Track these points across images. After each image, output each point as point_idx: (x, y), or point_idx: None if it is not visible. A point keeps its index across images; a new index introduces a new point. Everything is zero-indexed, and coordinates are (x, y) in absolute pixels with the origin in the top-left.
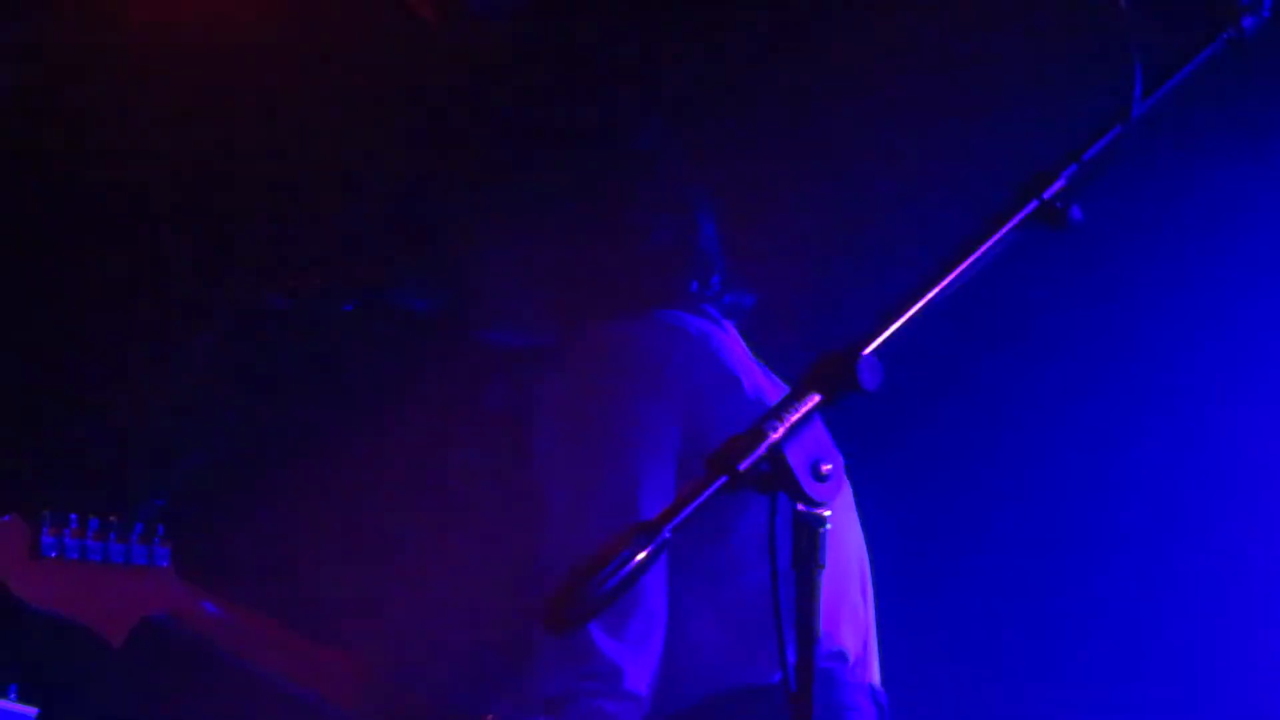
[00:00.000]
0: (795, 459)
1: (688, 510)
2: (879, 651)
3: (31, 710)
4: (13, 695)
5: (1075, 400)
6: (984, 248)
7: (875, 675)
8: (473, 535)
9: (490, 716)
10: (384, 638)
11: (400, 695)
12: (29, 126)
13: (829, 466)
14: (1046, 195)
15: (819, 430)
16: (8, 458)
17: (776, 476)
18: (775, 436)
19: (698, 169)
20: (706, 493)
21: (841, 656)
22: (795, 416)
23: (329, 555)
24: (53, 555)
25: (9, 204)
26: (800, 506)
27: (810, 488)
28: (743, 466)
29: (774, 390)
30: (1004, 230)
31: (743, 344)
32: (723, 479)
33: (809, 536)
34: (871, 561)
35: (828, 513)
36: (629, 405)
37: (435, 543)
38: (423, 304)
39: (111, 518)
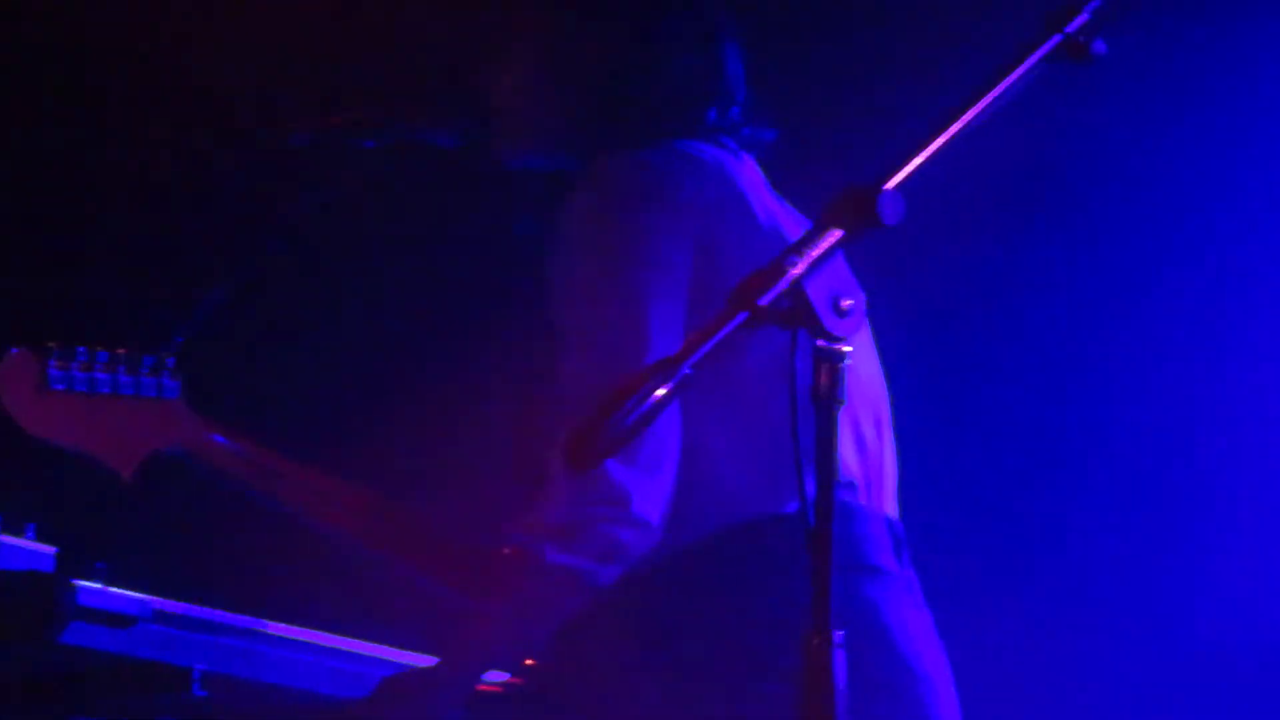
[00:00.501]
0: (816, 294)
1: (708, 346)
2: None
3: (50, 549)
4: (30, 535)
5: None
6: (1007, 81)
7: (892, 506)
8: (500, 366)
9: (509, 549)
10: (403, 475)
11: (417, 527)
12: None
13: (850, 302)
14: (1070, 29)
15: (840, 266)
16: (27, 297)
17: (797, 312)
18: (796, 272)
19: (729, 15)
20: (727, 328)
21: (851, 486)
22: (816, 252)
23: (346, 395)
24: (60, 388)
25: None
26: (820, 342)
27: (831, 323)
28: (763, 302)
29: (791, 223)
30: (1028, 64)
31: (760, 175)
32: (743, 314)
33: (829, 371)
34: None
35: (848, 348)
36: (639, 232)
37: (457, 377)
38: (447, 139)
39: (120, 351)
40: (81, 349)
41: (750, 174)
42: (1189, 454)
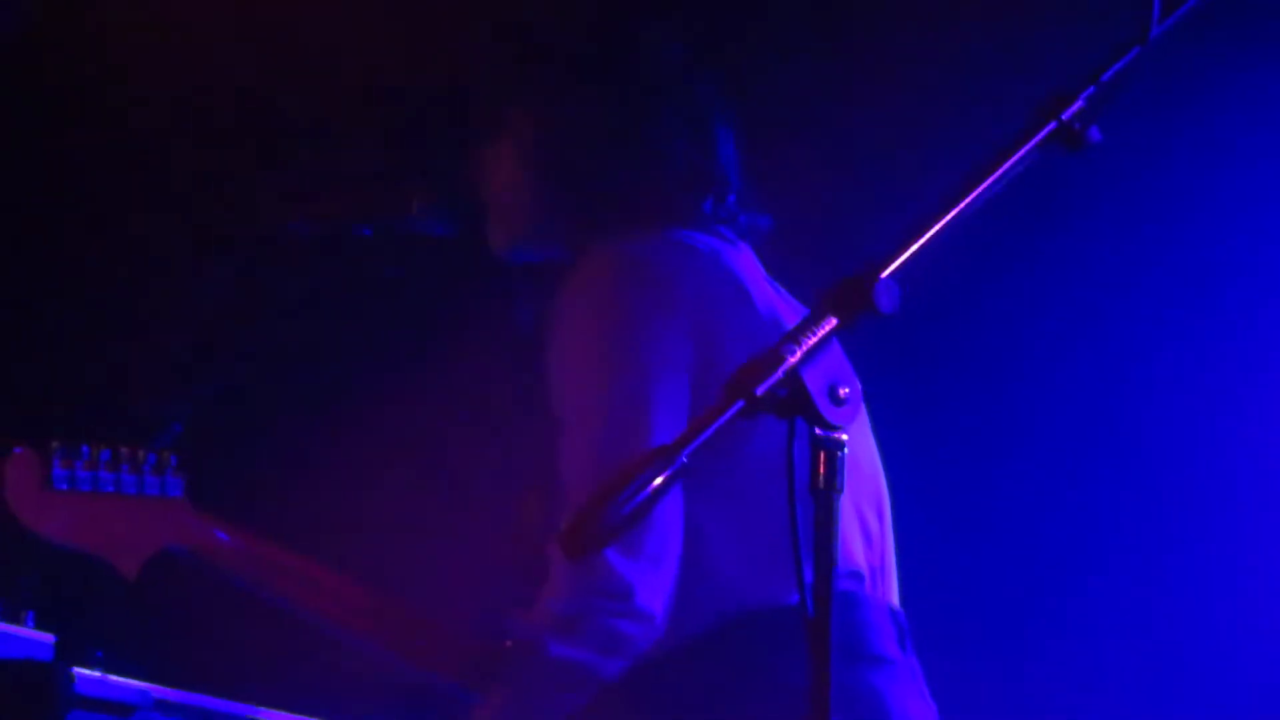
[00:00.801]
0: (813, 383)
1: (705, 435)
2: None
3: (48, 637)
4: (29, 622)
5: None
6: (1002, 169)
7: (894, 596)
8: (498, 456)
9: (511, 641)
10: (400, 563)
11: (416, 622)
12: (48, 47)
13: (846, 390)
14: (1065, 116)
15: (836, 354)
16: (23, 389)
17: (794, 401)
18: (793, 360)
19: (718, 89)
20: (724, 417)
21: (857, 576)
22: (813, 340)
23: (345, 483)
24: (64, 488)
25: (25, 126)
26: (818, 431)
27: (828, 412)
28: (760, 391)
29: (789, 311)
30: (1022, 152)
31: (757, 263)
32: (740, 403)
33: (827, 461)
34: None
35: (845, 437)
36: (640, 322)
37: (455, 468)
38: (442, 228)
39: (123, 449)
40: (85, 447)
41: (747, 263)
42: (1204, 535)
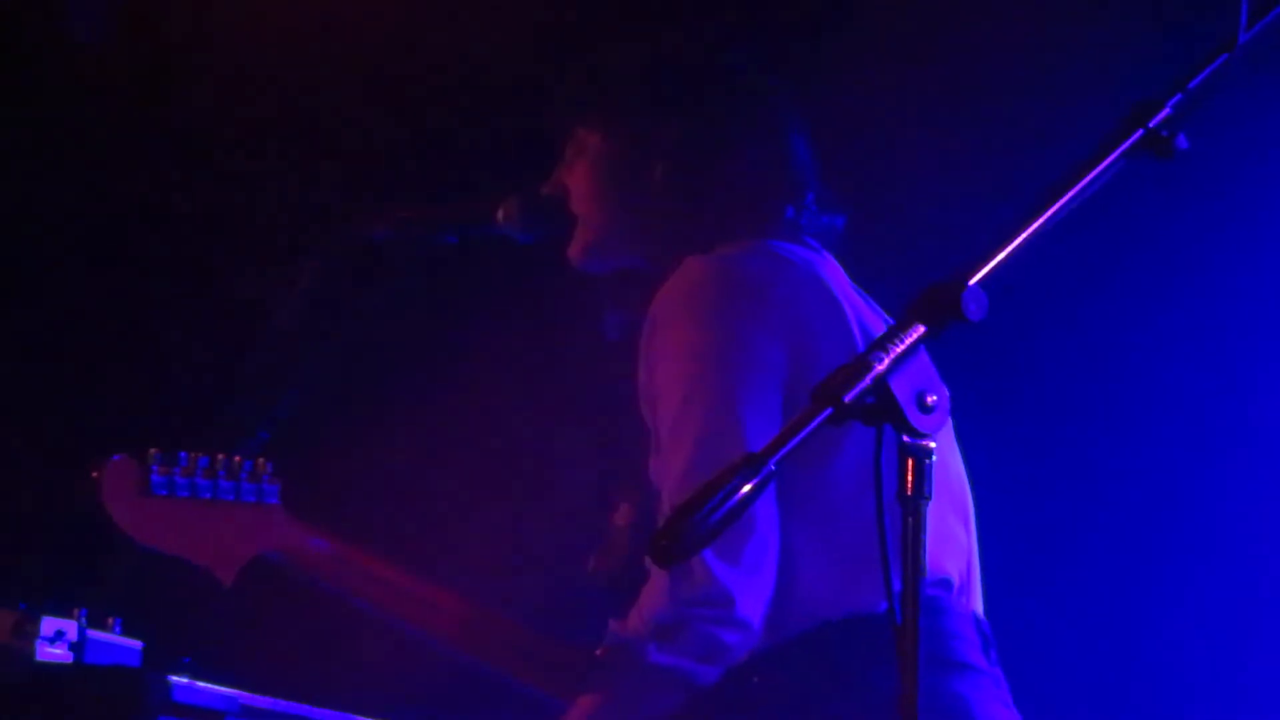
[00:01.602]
0: (900, 390)
1: (793, 443)
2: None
3: (136, 643)
4: (117, 629)
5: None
6: (1089, 177)
7: (979, 604)
8: (585, 465)
9: (609, 646)
10: (489, 572)
11: (506, 630)
12: (128, 56)
13: (934, 398)
14: (1152, 124)
15: (924, 361)
16: (110, 401)
17: (882, 408)
18: (880, 368)
19: (790, 94)
20: (812, 425)
21: (946, 584)
22: (900, 348)
23: (433, 489)
24: (163, 494)
25: (112, 133)
26: (906, 438)
27: (916, 419)
28: (848, 398)
29: (875, 319)
30: (1109, 159)
31: (842, 272)
32: (828, 411)
33: (915, 468)
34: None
35: (933, 444)
36: (735, 332)
37: (542, 474)
38: (526, 236)
39: (220, 456)
40: (183, 454)
41: (835, 272)
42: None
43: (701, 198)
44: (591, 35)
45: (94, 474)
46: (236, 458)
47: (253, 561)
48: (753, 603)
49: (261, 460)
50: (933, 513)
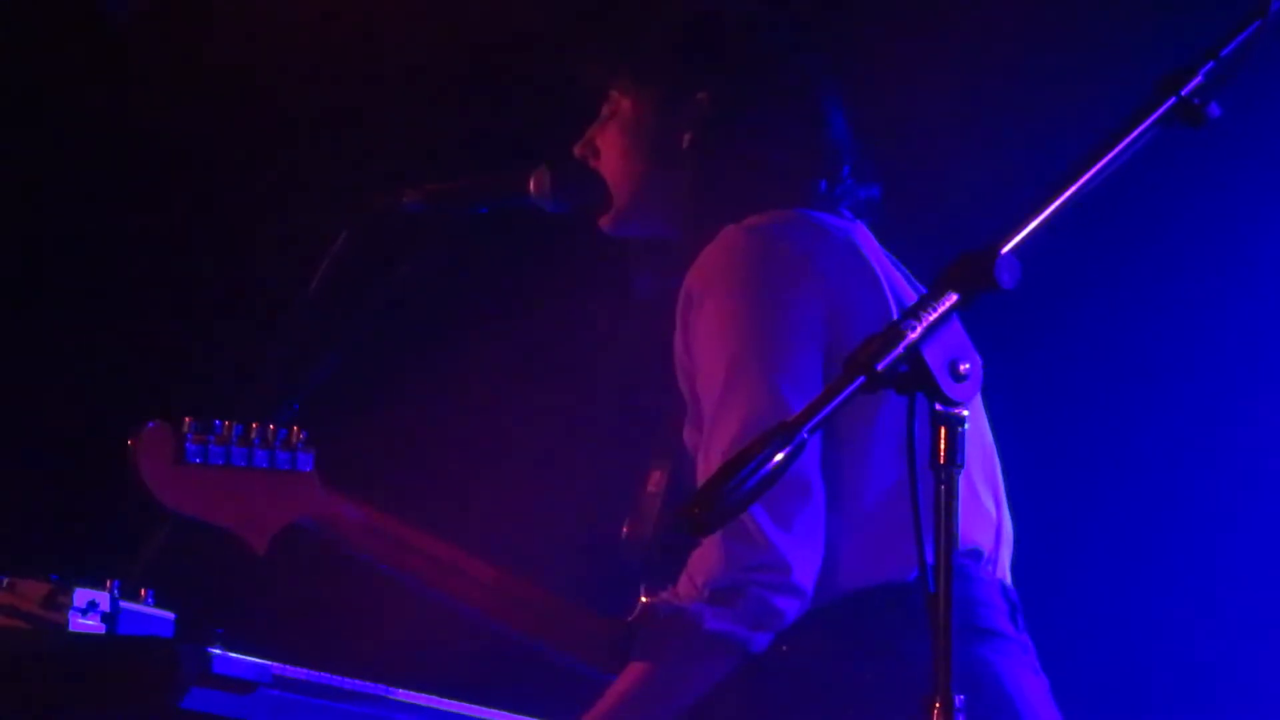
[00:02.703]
0: (933, 359)
1: (825, 411)
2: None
3: (169, 614)
4: (149, 600)
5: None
6: (1121, 144)
7: (1006, 574)
8: (623, 432)
9: (635, 617)
10: (523, 539)
11: (544, 601)
12: (164, 29)
13: (967, 366)
14: (1185, 92)
15: (957, 330)
16: (139, 373)
17: (915, 376)
18: (913, 336)
19: (824, 63)
20: (844, 393)
21: (975, 554)
22: (933, 316)
23: (461, 459)
24: (197, 461)
25: (141, 109)
26: (938, 406)
27: (949, 388)
28: (881, 366)
29: (909, 289)
30: (1142, 127)
31: (877, 243)
32: (860, 379)
33: (948, 436)
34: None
35: (966, 413)
36: (776, 301)
37: (578, 443)
38: (556, 207)
39: (255, 424)
40: (218, 422)
41: (869, 241)
42: None
43: (731, 168)
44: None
45: (129, 441)
46: (271, 425)
47: (286, 529)
48: (808, 569)
49: (296, 428)
50: (963, 482)
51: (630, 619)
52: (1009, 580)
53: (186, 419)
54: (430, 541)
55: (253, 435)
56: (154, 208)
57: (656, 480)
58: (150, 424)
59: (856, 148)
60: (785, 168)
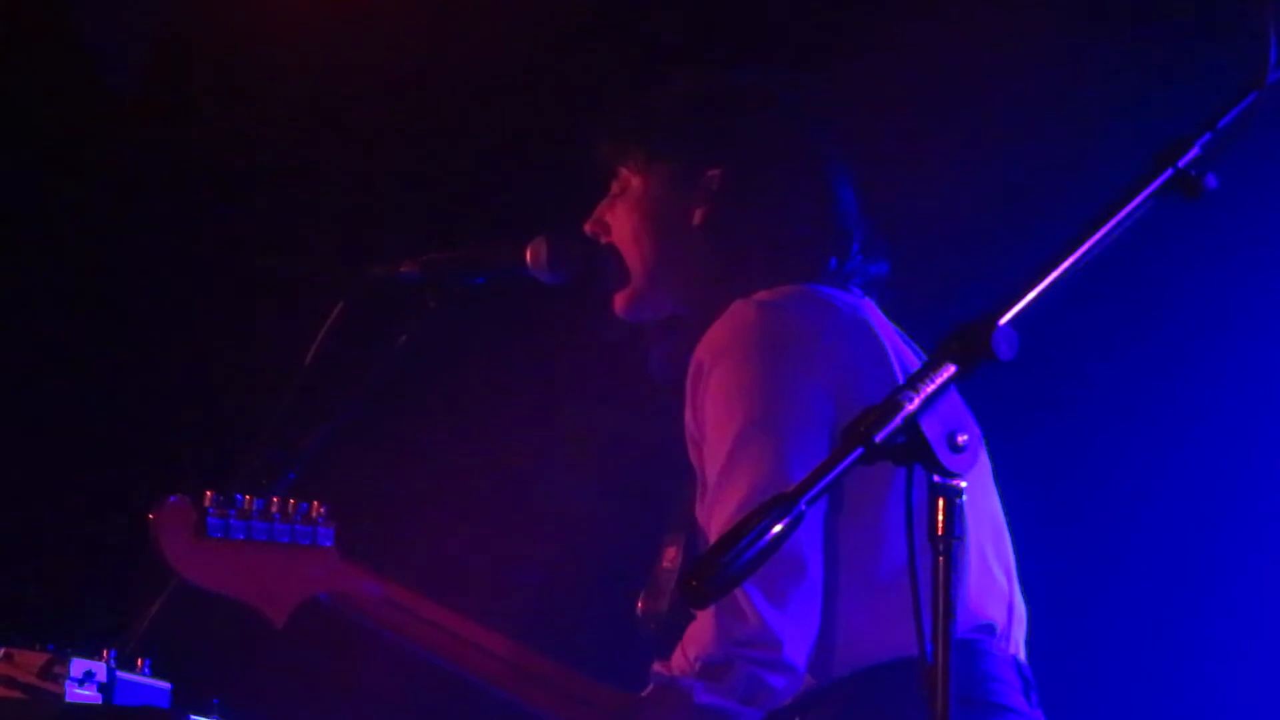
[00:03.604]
0: (931, 430)
1: (823, 482)
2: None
3: (165, 684)
4: (146, 670)
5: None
6: (1118, 216)
7: (1020, 649)
8: (628, 510)
9: (657, 684)
10: (533, 613)
11: (555, 675)
12: (164, 97)
13: (965, 437)
14: (1181, 164)
15: (955, 401)
16: (138, 439)
17: (912, 448)
18: (910, 408)
19: (833, 139)
20: (843, 465)
21: (989, 629)
22: (931, 387)
23: (459, 531)
24: (218, 536)
25: (136, 176)
26: (936, 478)
27: (946, 459)
28: (879, 438)
29: (915, 361)
30: (1139, 199)
31: (885, 319)
32: (859, 450)
33: (946, 508)
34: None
35: (964, 484)
36: (782, 379)
37: (587, 518)
38: (552, 278)
39: (275, 499)
40: (239, 496)
41: (876, 316)
42: None
43: (742, 243)
44: (625, 79)
45: (150, 515)
46: (292, 500)
47: (305, 604)
48: (799, 647)
49: (317, 503)
50: (974, 557)
51: (644, 694)
52: (1023, 656)
53: (208, 493)
54: (446, 615)
55: (274, 510)
56: (154, 281)
57: (671, 556)
58: (172, 498)
59: (866, 223)
60: (796, 243)
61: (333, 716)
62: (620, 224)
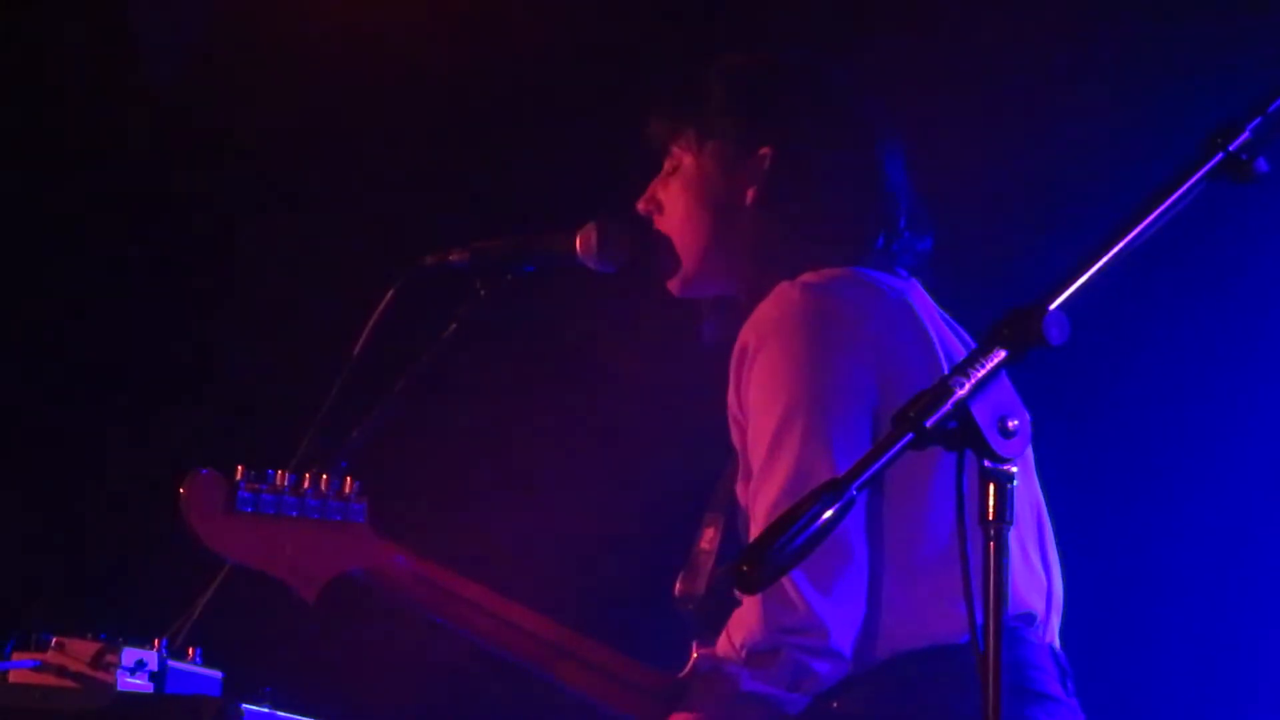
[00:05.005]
0: (981, 415)
1: (874, 468)
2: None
3: (216, 673)
4: (198, 659)
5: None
6: (1169, 201)
7: (1056, 638)
8: (673, 481)
9: (686, 674)
10: (575, 593)
11: (596, 655)
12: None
13: (1015, 422)
14: (1232, 147)
15: (1005, 386)
16: (187, 431)
17: (963, 433)
18: (961, 393)
19: (884, 118)
20: (893, 450)
21: (1029, 618)
22: (981, 373)
23: (509, 516)
24: (248, 510)
25: (185, 167)
26: (987, 463)
27: (997, 444)
28: (929, 423)
29: (963, 348)
30: (1189, 184)
31: (930, 300)
32: (909, 436)
33: (996, 492)
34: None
35: (1015, 469)
36: (828, 362)
37: (632, 498)
38: (603, 266)
39: (308, 474)
40: (270, 471)
41: (923, 300)
42: None
43: (793, 224)
44: (672, 65)
45: (180, 489)
46: (324, 476)
47: (337, 579)
48: (845, 633)
49: (350, 479)
50: (1015, 546)
51: (681, 675)
52: (1058, 644)
53: (239, 467)
54: (481, 592)
55: (305, 485)
56: (202, 271)
57: (710, 537)
58: (203, 471)
59: (913, 199)
60: (845, 221)
61: (382, 705)
62: (673, 202)
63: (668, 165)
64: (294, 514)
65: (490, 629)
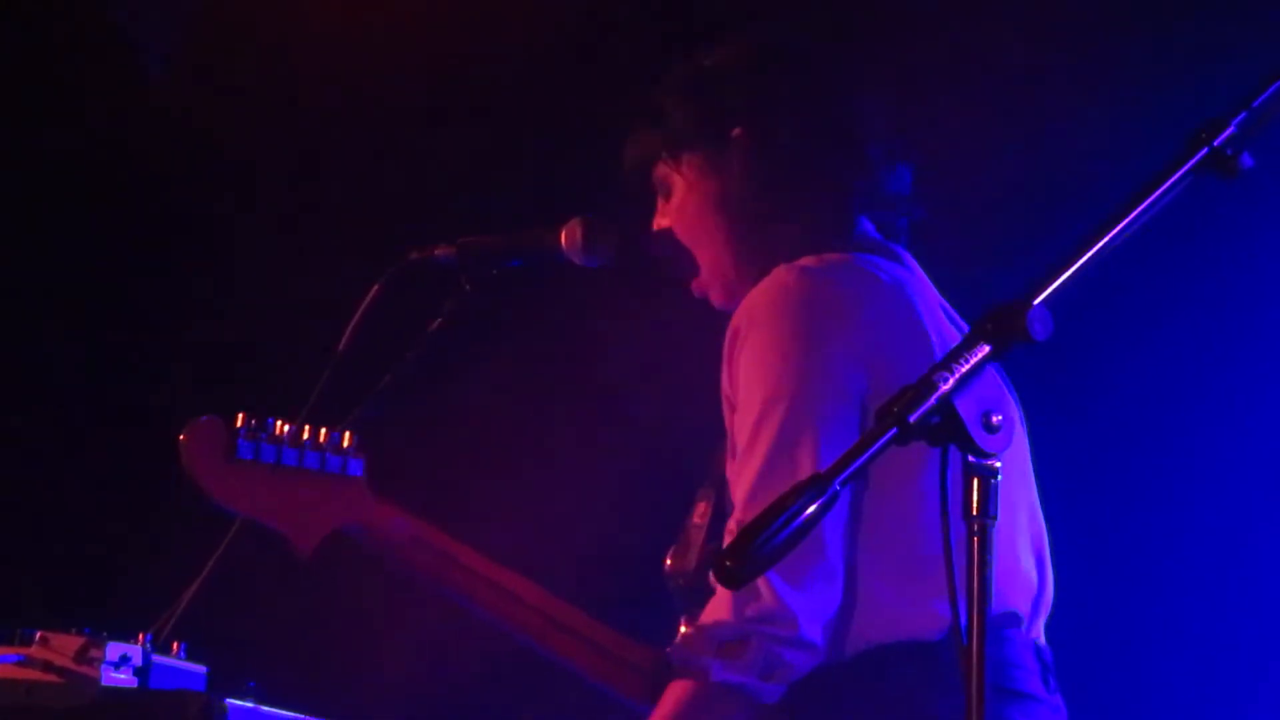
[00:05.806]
0: (965, 410)
1: (857, 463)
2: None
3: (201, 668)
4: (182, 654)
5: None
6: (1153, 196)
7: (1040, 633)
8: (661, 462)
9: (671, 648)
10: (567, 567)
11: (587, 628)
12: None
13: (999, 418)
14: (1217, 143)
15: (990, 381)
16: (176, 426)
17: (947, 428)
18: (945, 388)
19: (876, 104)
20: (876, 445)
21: (1014, 618)
22: (965, 368)
23: (497, 505)
24: (248, 458)
25: (185, 153)
26: (971, 458)
27: (981, 439)
28: (912, 418)
29: (956, 337)
30: (1174, 178)
31: (929, 286)
32: (893, 431)
33: (980, 488)
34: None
35: (999, 464)
36: (817, 350)
37: (618, 473)
38: (588, 261)
39: (308, 425)
40: (271, 420)
41: (923, 288)
42: None
43: (780, 199)
44: (658, 61)
45: (181, 435)
46: (324, 429)
47: (333, 535)
48: (815, 623)
49: (349, 433)
50: (1003, 546)
51: (668, 649)
52: (1043, 640)
53: (241, 414)
54: (477, 558)
55: (305, 436)
56: (187, 269)
57: (701, 511)
58: (204, 417)
59: (903, 169)
60: (833, 210)
61: (366, 698)
62: (680, 224)
63: (660, 191)
64: (293, 464)
65: (483, 594)
